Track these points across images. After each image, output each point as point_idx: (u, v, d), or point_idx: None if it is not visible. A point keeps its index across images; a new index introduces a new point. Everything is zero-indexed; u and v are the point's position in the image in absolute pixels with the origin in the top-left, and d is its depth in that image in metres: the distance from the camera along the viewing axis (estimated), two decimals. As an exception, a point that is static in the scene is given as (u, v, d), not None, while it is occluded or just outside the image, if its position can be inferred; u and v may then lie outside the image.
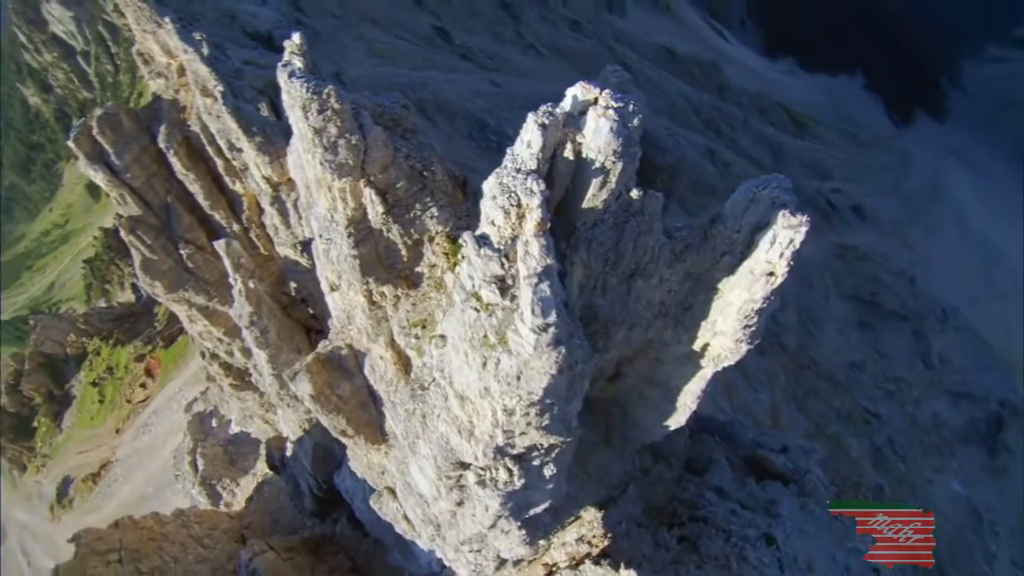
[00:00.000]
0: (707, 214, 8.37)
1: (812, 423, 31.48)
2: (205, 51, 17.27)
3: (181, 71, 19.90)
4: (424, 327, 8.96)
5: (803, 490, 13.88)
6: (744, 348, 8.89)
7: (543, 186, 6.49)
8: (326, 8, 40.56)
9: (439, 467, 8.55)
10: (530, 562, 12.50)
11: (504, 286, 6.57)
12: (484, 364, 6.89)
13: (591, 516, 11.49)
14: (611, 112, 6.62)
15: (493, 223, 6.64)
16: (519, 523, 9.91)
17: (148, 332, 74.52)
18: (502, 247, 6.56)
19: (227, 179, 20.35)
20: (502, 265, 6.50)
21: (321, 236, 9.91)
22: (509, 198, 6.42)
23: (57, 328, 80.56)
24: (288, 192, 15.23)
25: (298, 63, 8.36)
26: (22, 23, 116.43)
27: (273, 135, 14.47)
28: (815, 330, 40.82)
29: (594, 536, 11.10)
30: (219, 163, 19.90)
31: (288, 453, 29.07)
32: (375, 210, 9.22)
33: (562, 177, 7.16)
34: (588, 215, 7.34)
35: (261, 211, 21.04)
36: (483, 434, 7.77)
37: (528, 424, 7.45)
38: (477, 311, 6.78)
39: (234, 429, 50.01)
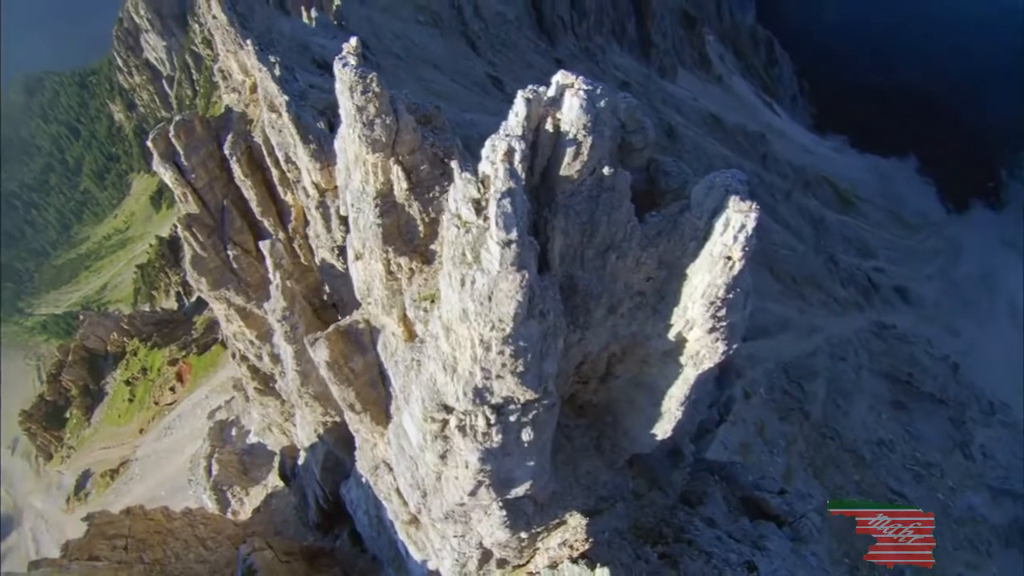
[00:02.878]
0: (678, 205, 9.04)
1: (828, 493, 30.11)
2: (277, 72, 19.13)
3: (253, 88, 21.97)
4: (432, 301, 9.73)
5: (797, 535, 13.50)
6: (720, 347, 9.24)
7: (523, 145, 7.94)
8: (391, 49, 43.88)
9: (426, 408, 9.27)
10: (515, 567, 12.51)
11: (479, 207, 7.80)
12: (463, 282, 7.83)
13: (576, 522, 11.56)
14: (582, 93, 7.89)
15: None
16: (500, 502, 10.28)
17: (184, 338, 76.98)
18: (480, 176, 7.92)
19: (280, 189, 21.97)
20: (478, 189, 7.78)
21: (353, 206, 11.24)
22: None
23: (103, 325, 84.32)
24: (332, 199, 16.50)
25: (352, 60, 9.81)
26: (121, 49, 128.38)
27: (326, 145, 15.87)
28: (843, 403, 39.43)
29: (576, 540, 11.14)
30: (275, 173, 21.57)
31: (300, 461, 29.59)
32: (400, 186, 10.57)
33: (544, 147, 8.52)
34: (566, 184, 8.49)
35: (306, 223, 22.49)
36: (464, 370, 8.50)
37: (503, 366, 8.13)
38: (458, 228, 7.99)
39: (252, 439, 50.84)
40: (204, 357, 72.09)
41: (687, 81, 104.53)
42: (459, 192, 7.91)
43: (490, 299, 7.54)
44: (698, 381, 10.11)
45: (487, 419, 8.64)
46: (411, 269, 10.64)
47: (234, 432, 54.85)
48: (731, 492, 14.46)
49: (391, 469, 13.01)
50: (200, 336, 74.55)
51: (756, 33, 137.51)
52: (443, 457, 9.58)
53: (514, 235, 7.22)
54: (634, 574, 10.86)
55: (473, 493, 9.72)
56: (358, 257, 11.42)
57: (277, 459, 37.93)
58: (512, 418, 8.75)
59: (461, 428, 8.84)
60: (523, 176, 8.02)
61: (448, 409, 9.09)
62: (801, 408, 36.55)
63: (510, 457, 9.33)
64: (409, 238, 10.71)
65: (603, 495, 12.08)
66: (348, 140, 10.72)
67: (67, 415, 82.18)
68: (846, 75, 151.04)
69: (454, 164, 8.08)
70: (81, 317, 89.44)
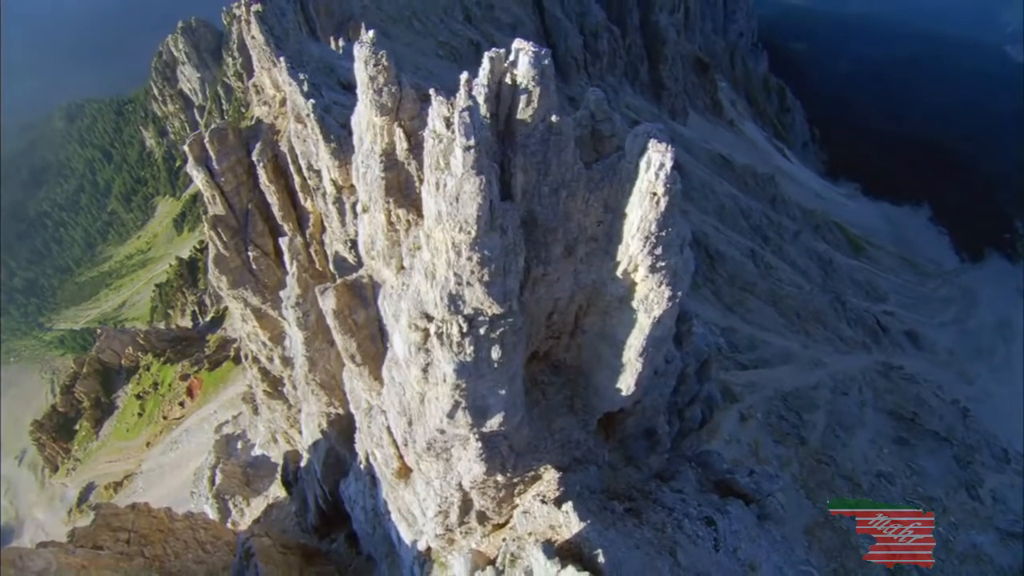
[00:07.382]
0: (617, 155, 10.77)
1: (820, 513, 29.88)
2: (305, 87, 20.96)
3: (282, 103, 23.89)
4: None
5: (764, 512, 14.01)
6: (665, 292, 10.56)
7: (487, 90, 10.04)
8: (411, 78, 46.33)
9: (411, 316, 10.80)
10: (495, 527, 13.18)
11: (449, 123, 9.60)
12: (437, 186, 9.60)
13: (550, 476, 12.50)
14: (531, 52, 9.89)
15: None
16: (477, 433, 11.33)
17: (197, 355, 77.96)
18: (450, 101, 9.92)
19: (300, 195, 23.60)
20: (448, 110, 9.62)
21: (363, 162, 12.92)
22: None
23: (119, 340, 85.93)
24: (348, 196, 17.95)
25: (368, 43, 12.02)
26: (158, 79, 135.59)
27: (345, 145, 17.42)
28: (843, 435, 39.19)
29: (549, 491, 11.95)
30: (297, 181, 23.23)
31: (303, 464, 30.28)
32: (401, 146, 12.58)
33: (505, 98, 10.41)
34: (522, 128, 10.35)
35: (323, 230, 24.00)
36: (440, 276, 10.05)
37: (472, 273, 9.67)
38: (434, 140, 9.77)
39: (256, 452, 51.54)
40: (215, 373, 72.98)
41: (698, 124, 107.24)
42: (435, 111, 9.75)
43: (457, 200, 9.20)
44: (654, 335, 11.37)
45: (460, 328, 10.00)
46: (408, 221, 12.29)
47: (239, 445, 55.47)
48: (705, 476, 15.13)
49: (383, 412, 14.07)
50: (212, 353, 75.64)
51: (768, 81, 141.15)
52: (425, 371, 10.83)
53: (472, 141, 8.87)
54: (598, 519, 11.58)
55: (451, 415, 10.80)
56: (365, 210, 13.04)
57: (280, 467, 38.55)
58: (482, 331, 10.06)
59: (439, 335, 10.18)
60: (483, 105, 9.94)
61: (428, 318, 10.57)
62: (798, 433, 36.58)
63: (483, 380, 10.51)
64: (407, 192, 12.46)
65: (577, 456, 12.97)
66: (362, 110, 12.75)
67: (77, 427, 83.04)
68: (858, 123, 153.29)
69: (432, 91, 9.85)
70: (99, 331, 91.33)
